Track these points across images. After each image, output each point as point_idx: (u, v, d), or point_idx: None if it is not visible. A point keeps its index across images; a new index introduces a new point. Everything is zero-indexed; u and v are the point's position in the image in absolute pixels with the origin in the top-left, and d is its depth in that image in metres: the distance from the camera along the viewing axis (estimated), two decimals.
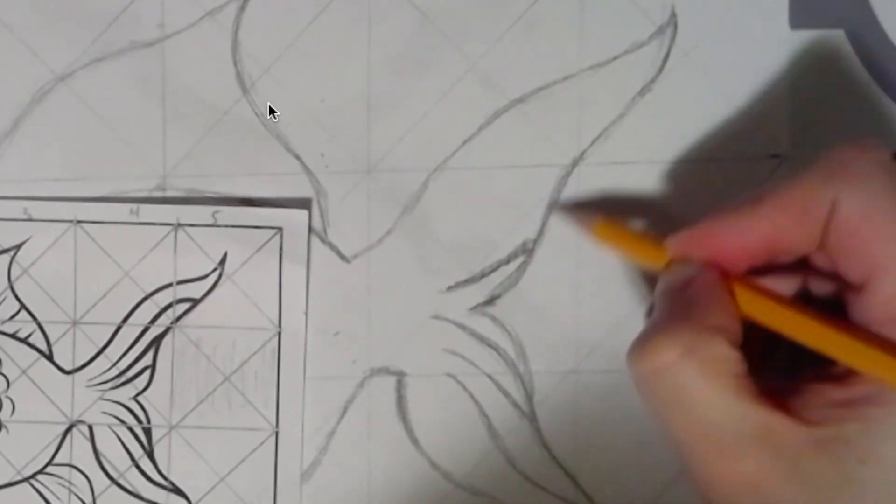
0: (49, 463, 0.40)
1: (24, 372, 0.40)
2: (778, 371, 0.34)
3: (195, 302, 0.40)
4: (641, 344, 0.32)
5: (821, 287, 0.35)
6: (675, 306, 0.33)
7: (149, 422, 0.40)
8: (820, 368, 0.33)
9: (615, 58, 0.40)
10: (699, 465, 0.32)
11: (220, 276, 0.40)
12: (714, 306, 0.33)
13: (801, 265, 0.35)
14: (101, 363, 0.40)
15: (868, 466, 0.31)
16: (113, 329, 0.40)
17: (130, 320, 0.40)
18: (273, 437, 0.40)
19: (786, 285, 0.35)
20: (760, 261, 0.34)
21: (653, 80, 0.40)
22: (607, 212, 0.38)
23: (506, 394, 0.40)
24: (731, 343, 0.32)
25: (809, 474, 0.31)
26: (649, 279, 0.39)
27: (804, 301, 0.35)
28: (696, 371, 0.31)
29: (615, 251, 0.38)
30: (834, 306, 0.34)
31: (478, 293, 0.40)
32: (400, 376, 0.40)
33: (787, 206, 0.33)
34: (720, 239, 0.34)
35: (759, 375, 0.32)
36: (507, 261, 0.40)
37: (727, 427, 0.31)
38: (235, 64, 0.40)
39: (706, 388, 0.31)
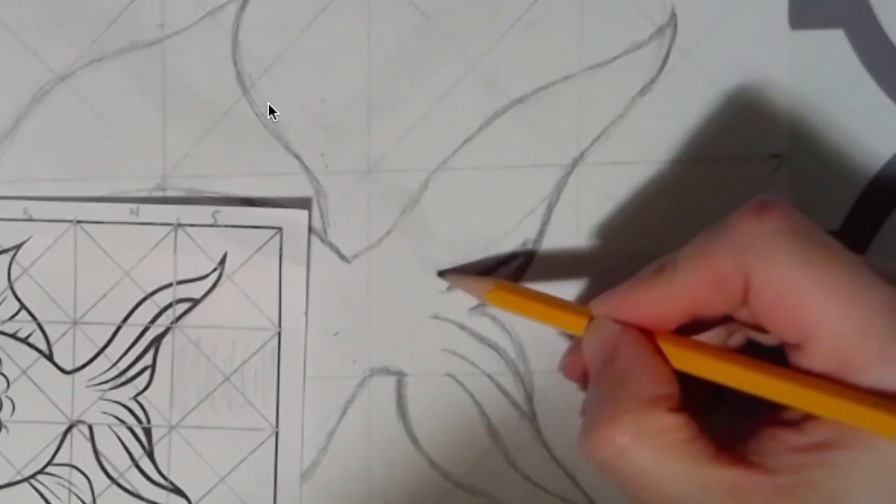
0: (49, 463, 0.40)
1: (24, 372, 0.40)
2: (728, 416, 0.34)
3: (195, 302, 0.40)
4: (590, 435, 0.33)
5: (759, 338, 0.35)
6: (608, 383, 0.33)
7: (149, 422, 0.40)
8: (773, 410, 0.33)
9: (615, 58, 0.40)
10: None
11: (220, 276, 0.40)
12: (647, 375, 0.33)
13: (734, 320, 0.35)
14: (101, 363, 0.40)
15: None
16: (113, 329, 0.40)
17: (130, 320, 0.40)
18: (273, 437, 0.40)
19: (721, 338, 0.36)
20: (684, 322, 0.34)
21: (653, 81, 0.40)
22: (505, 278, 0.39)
23: (506, 394, 0.40)
24: (673, 409, 0.32)
25: None
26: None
27: (750, 350, 0.35)
28: (650, 450, 0.32)
29: (516, 313, 0.37)
30: (778, 352, 0.34)
31: None
32: (400, 376, 0.40)
33: (700, 280, 0.33)
34: (640, 307, 0.34)
35: (710, 427, 0.32)
36: (508, 260, 0.40)
37: (692, 494, 0.32)
38: (235, 64, 0.40)
39: (662, 463, 0.32)
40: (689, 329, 0.34)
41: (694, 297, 0.33)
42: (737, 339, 0.36)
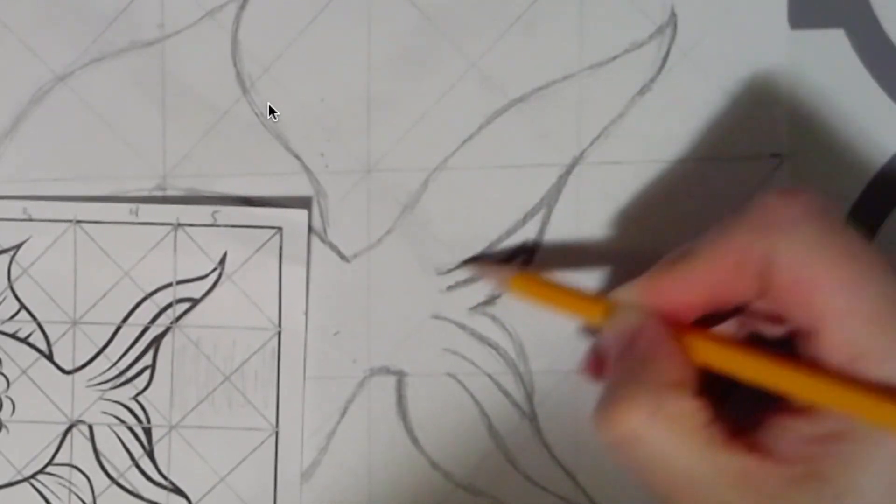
0: (49, 463, 0.40)
1: (24, 372, 0.40)
2: (742, 405, 0.34)
3: (195, 302, 0.40)
4: (605, 412, 0.33)
5: (770, 330, 0.35)
6: (628, 365, 0.34)
7: (149, 421, 0.40)
8: (784, 400, 0.33)
9: (615, 57, 0.40)
10: None
11: (219, 275, 0.40)
12: (667, 360, 0.33)
13: (749, 310, 0.35)
14: (101, 363, 0.40)
15: (846, 501, 0.31)
16: (113, 329, 0.40)
17: (130, 320, 0.40)
18: (273, 437, 0.40)
19: (735, 330, 0.36)
20: (704, 312, 0.34)
21: (652, 80, 0.40)
22: (528, 267, 0.39)
23: (506, 393, 0.40)
24: (691, 394, 0.32)
25: None
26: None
27: (755, 343, 0.35)
28: (664, 431, 0.32)
29: (536, 303, 0.37)
30: (784, 346, 0.34)
31: (478, 293, 0.40)
32: (400, 376, 0.40)
33: (721, 261, 0.33)
34: (661, 293, 0.34)
35: (724, 415, 0.32)
36: (507, 260, 0.40)
37: (705, 478, 0.32)
38: (235, 64, 0.40)
39: (677, 445, 0.32)
40: (704, 323, 0.35)
41: (714, 281, 0.33)
42: (742, 335, 0.36)
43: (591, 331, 0.39)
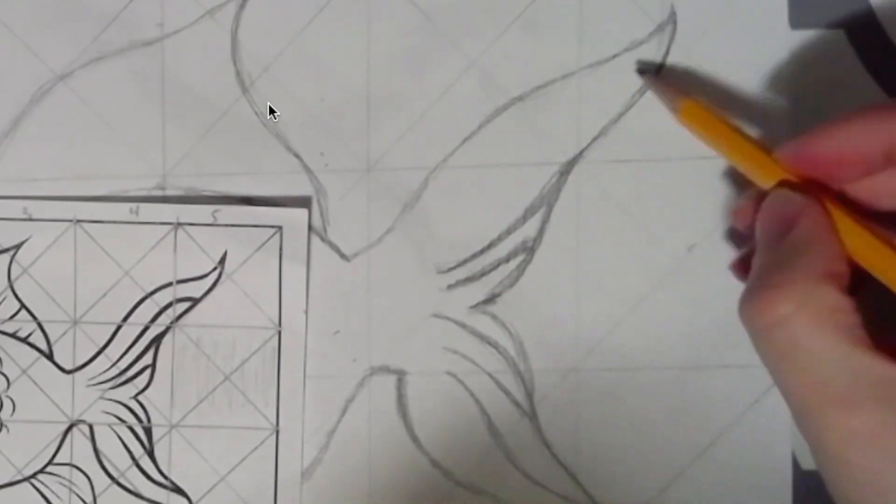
0: (50, 462, 0.40)
1: (24, 371, 0.40)
2: (867, 304, 0.33)
3: (195, 301, 0.40)
4: (754, 298, 0.32)
5: None
6: (782, 251, 0.33)
7: (149, 421, 0.40)
8: None
9: (615, 56, 0.40)
10: (812, 416, 0.32)
11: (219, 275, 0.40)
12: (823, 252, 0.32)
13: None
14: (102, 362, 0.40)
15: None
16: (113, 328, 0.40)
17: (130, 320, 0.40)
18: (273, 436, 0.40)
19: None
20: (878, 170, 0.33)
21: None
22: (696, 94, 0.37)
23: (506, 392, 0.40)
24: (843, 290, 0.31)
25: None
26: (652, 274, 0.40)
27: None
28: (812, 324, 0.31)
29: (702, 138, 0.36)
30: None
31: (478, 291, 0.40)
32: (400, 375, 0.40)
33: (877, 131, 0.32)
34: (841, 143, 0.33)
35: (873, 318, 0.31)
36: (508, 259, 0.40)
37: (843, 380, 0.31)
38: (235, 63, 0.40)
39: (822, 341, 0.31)
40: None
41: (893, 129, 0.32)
42: None
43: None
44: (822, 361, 0.31)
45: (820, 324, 0.31)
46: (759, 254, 0.34)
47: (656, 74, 0.39)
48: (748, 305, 0.32)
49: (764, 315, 0.31)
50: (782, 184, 0.34)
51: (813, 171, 0.34)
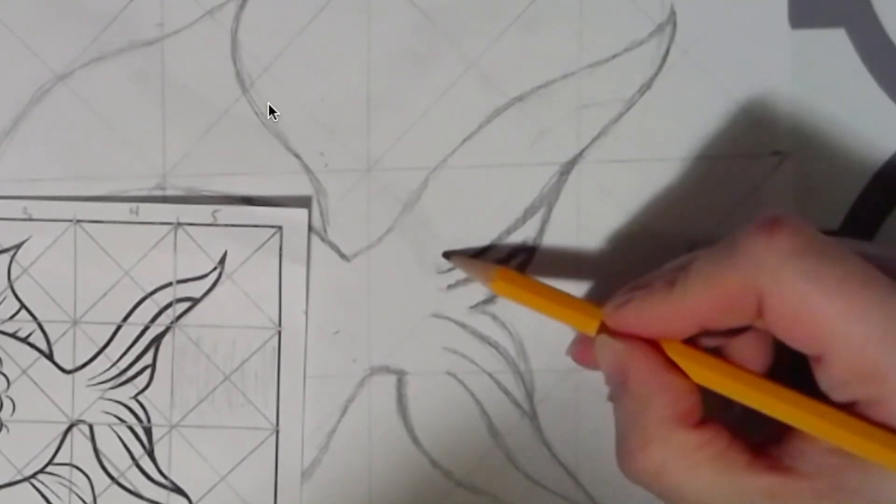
0: (50, 462, 0.40)
1: (24, 371, 0.40)
2: (760, 417, 0.34)
3: (195, 301, 0.40)
4: (625, 462, 0.33)
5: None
6: (629, 407, 0.34)
7: (149, 421, 0.40)
8: None
9: (614, 56, 0.40)
10: None
11: (219, 275, 0.40)
12: (663, 394, 0.33)
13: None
14: (102, 362, 0.40)
15: None
16: (113, 328, 0.40)
17: (130, 320, 0.40)
18: (273, 436, 0.40)
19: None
20: (695, 335, 0.34)
21: (652, 78, 0.40)
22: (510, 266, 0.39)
23: (506, 392, 0.40)
24: (698, 423, 0.33)
25: None
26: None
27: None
28: (683, 469, 0.32)
29: (520, 304, 0.36)
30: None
31: (478, 291, 0.40)
32: (400, 375, 0.40)
33: (710, 301, 0.32)
34: (651, 321, 0.34)
35: (743, 431, 0.33)
36: (508, 259, 0.40)
37: (733, 502, 0.32)
38: (235, 63, 0.40)
39: (702, 478, 0.32)
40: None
41: (705, 314, 0.33)
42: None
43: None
44: (709, 494, 0.32)
45: (691, 464, 0.32)
46: (614, 401, 0.35)
47: (459, 256, 0.40)
48: (625, 464, 0.34)
49: (641, 474, 0.33)
50: (604, 328, 0.35)
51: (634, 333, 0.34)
